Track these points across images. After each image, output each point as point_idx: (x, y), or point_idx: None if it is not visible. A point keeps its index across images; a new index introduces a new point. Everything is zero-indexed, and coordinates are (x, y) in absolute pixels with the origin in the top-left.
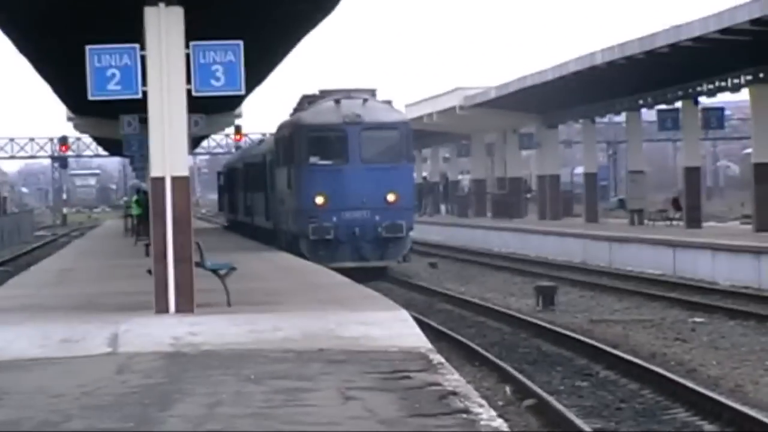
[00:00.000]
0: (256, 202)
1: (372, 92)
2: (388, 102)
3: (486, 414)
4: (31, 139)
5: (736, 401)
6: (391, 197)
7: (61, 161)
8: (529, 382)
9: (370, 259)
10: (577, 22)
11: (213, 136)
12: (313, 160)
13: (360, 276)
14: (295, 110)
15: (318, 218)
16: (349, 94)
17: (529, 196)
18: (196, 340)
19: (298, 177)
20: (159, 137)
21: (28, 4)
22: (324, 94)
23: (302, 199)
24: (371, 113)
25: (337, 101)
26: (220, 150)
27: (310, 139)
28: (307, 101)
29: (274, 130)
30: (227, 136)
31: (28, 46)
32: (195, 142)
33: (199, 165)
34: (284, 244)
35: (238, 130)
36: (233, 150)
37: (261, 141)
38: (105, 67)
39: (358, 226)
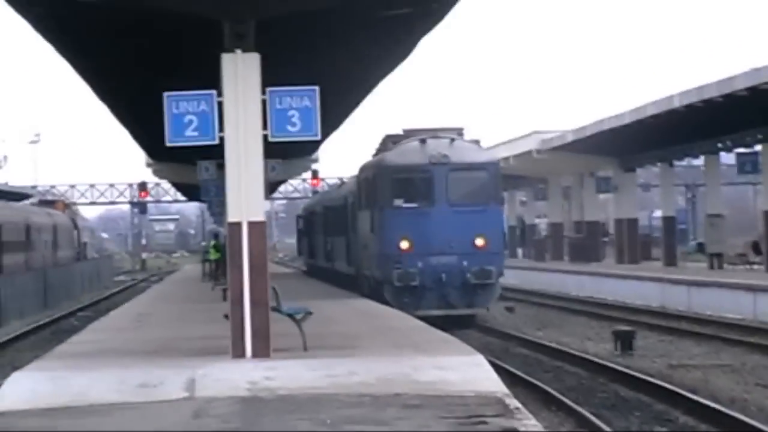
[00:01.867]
0: (336, 247)
1: (459, 131)
2: (476, 141)
3: None
4: (111, 185)
5: None
6: (479, 241)
7: (140, 207)
8: (606, 427)
9: (457, 306)
10: (655, 65)
11: (290, 180)
12: (397, 202)
13: (447, 325)
14: (378, 151)
15: (403, 263)
16: (435, 133)
17: (606, 239)
18: (273, 384)
19: (381, 220)
20: (235, 183)
21: (109, 51)
22: (408, 133)
23: (386, 243)
24: (459, 153)
25: (423, 141)
26: (297, 194)
27: (394, 180)
28: (391, 141)
29: (350, 173)
30: (304, 180)
31: (109, 92)
32: (272, 187)
33: (276, 209)
34: (367, 290)
35: (315, 174)
36: (310, 194)
37: (342, 183)
38: (182, 113)
39: (445, 272)
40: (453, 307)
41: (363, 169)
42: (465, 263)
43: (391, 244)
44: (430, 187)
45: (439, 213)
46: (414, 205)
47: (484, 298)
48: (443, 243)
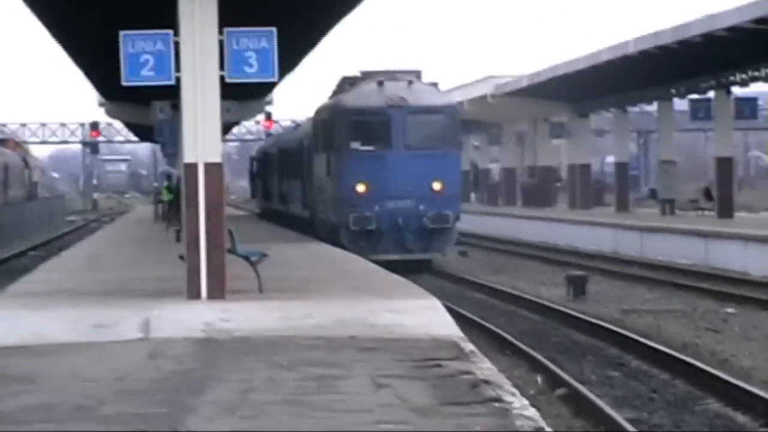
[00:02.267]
0: (291, 190)
1: (417, 74)
2: (434, 84)
3: (518, 403)
4: (63, 124)
5: None
6: (437, 186)
7: (92, 146)
8: (560, 372)
9: (413, 251)
10: (610, 11)
11: (243, 122)
12: (354, 145)
13: (403, 269)
14: (335, 93)
15: (359, 207)
16: (393, 75)
17: (559, 185)
18: (228, 326)
19: (338, 163)
20: (192, 124)
21: None
22: (366, 75)
23: (342, 187)
24: (417, 96)
25: (380, 83)
26: (250, 136)
27: (351, 123)
28: (347, 83)
29: (303, 116)
30: (257, 122)
31: (62, 32)
32: (225, 128)
33: (229, 151)
34: (322, 234)
35: (268, 116)
36: (263, 137)
37: (297, 126)
38: (139, 53)
39: (402, 216)
40: (409, 251)
41: (319, 111)
42: (422, 207)
43: (348, 187)
44: (387, 131)
45: (397, 157)
46: (371, 148)
47: (441, 242)
48: (400, 187)
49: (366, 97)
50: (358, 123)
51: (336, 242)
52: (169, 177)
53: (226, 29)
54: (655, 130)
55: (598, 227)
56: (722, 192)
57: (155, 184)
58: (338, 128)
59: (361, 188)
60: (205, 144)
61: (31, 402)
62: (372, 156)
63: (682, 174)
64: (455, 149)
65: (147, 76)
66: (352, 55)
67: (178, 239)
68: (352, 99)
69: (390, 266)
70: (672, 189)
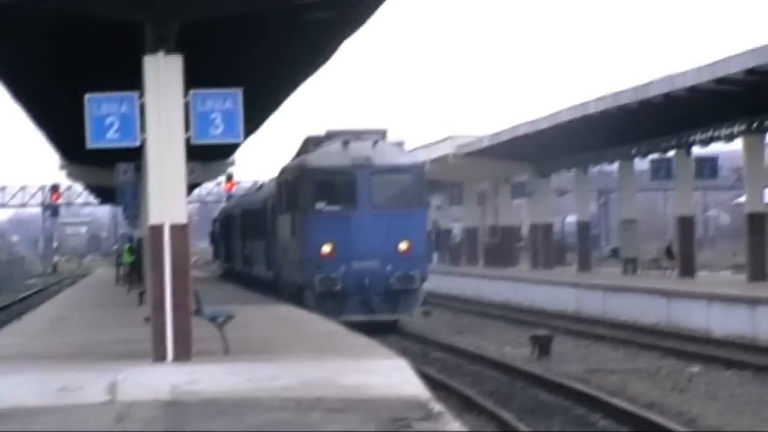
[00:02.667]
0: (255, 251)
1: (382, 133)
2: (400, 143)
3: None
4: (23, 188)
5: None
6: (403, 246)
7: (52, 210)
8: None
9: (380, 312)
10: (572, 72)
11: (204, 183)
12: (319, 205)
13: (370, 331)
14: (299, 152)
15: (324, 268)
16: (358, 135)
17: (521, 244)
18: (195, 388)
19: (302, 224)
20: (157, 185)
21: (25, 52)
22: (330, 135)
23: (307, 248)
24: (382, 156)
25: (346, 143)
26: (210, 198)
27: (316, 183)
28: (312, 143)
29: (266, 176)
30: (218, 183)
31: (24, 94)
32: (188, 190)
33: (190, 213)
34: (287, 295)
35: (229, 178)
36: (224, 198)
37: (261, 186)
38: (104, 115)
39: (368, 277)
40: (376, 312)
41: (283, 171)
42: (388, 268)
43: (313, 248)
44: (352, 191)
45: (362, 217)
46: (336, 208)
47: (408, 303)
48: (366, 247)
49: (331, 156)
50: (323, 183)
51: (301, 304)
52: (130, 239)
53: (191, 91)
54: (615, 190)
55: (560, 286)
56: (683, 251)
57: (115, 247)
58: (303, 188)
59: (326, 249)
60: (171, 205)
61: None
62: (337, 216)
63: (643, 233)
64: (421, 209)
65: (112, 139)
66: (314, 115)
67: (140, 302)
68: (317, 159)
69: (356, 328)
70: (634, 248)
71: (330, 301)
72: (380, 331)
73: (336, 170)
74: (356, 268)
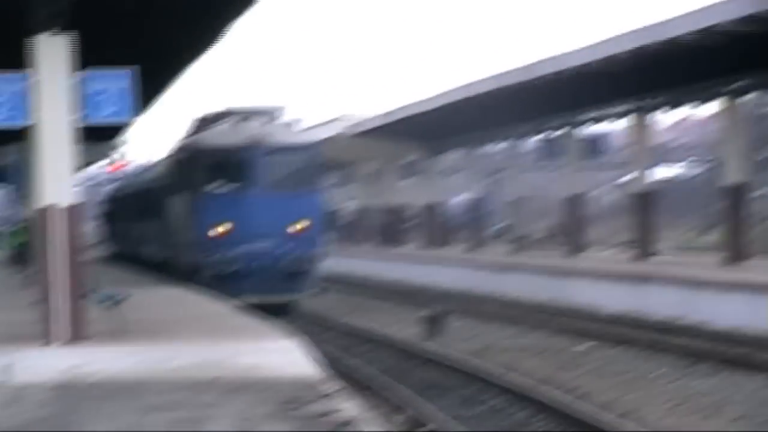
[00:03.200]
0: (146, 232)
1: (278, 111)
2: (295, 122)
3: None
4: None
5: (632, 425)
6: (297, 227)
7: None
8: (423, 409)
9: (274, 294)
10: (462, 49)
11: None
12: (211, 186)
13: (264, 313)
14: (192, 132)
15: (218, 250)
16: (251, 114)
17: (410, 224)
18: (88, 370)
19: (195, 205)
20: (48, 166)
21: None
22: (224, 114)
23: (200, 229)
24: (276, 135)
25: (239, 122)
26: (90, 182)
27: (208, 163)
28: (206, 122)
29: (149, 158)
30: (111, 163)
31: None
32: (79, 170)
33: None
34: (180, 277)
35: (113, 161)
36: (106, 180)
37: (152, 165)
38: None
39: (262, 258)
40: (270, 294)
41: (175, 150)
42: (282, 249)
43: (205, 229)
44: (245, 170)
45: (256, 197)
46: (229, 188)
47: (302, 285)
48: (260, 228)
49: (224, 135)
50: (215, 163)
51: (195, 285)
52: (18, 221)
53: (81, 71)
54: (504, 169)
55: (450, 266)
56: (572, 229)
57: (1, 228)
58: (195, 168)
59: (219, 230)
60: (60, 187)
61: None
62: (230, 197)
63: (531, 211)
64: (316, 188)
65: (2, 119)
66: (209, 94)
67: (28, 284)
68: (210, 138)
69: (250, 310)
70: (522, 227)
71: (223, 282)
72: (275, 313)
73: (228, 149)
74: (250, 249)
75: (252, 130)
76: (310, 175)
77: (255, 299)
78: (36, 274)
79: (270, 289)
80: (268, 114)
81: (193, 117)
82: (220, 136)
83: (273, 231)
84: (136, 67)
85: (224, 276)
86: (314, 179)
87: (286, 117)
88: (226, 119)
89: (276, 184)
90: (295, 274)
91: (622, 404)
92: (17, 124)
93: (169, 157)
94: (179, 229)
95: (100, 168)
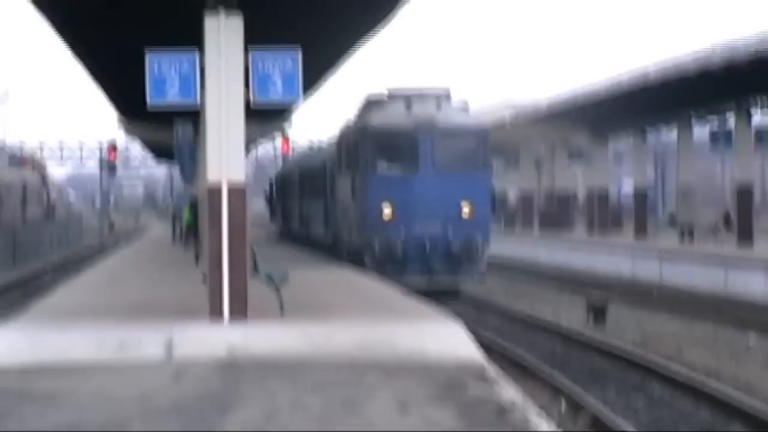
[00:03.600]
0: (314, 212)
1: (446, 93)
2: (464, 105)
3: (546, 426)
4: (81, 144)
5: None
6: (466, 210)
7: (109, 168)
8: (584, 397)
9: (441, 277)
10: (633, 35)
11: (259, 145)
12: (380, 167)
13: (430, 297)
14: (360, 113)
15: (385, 231)
16: (420, 95)
17: (576, 210)
18: (251, 347)
19: (363, 186)
20: (216, 145)
21: (85, 6)
22: (392, 94)
23: (367, 211)
24: (446, 117)
25: (408, 103)
26: (266, 160)
27: (377, 144)
28: (374, 103)
29: (320, 138)
30: (274, 145)
31: (83, 50)
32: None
33: (246, 173)
34: (346, 258)
35: (285, 137)
36: (279, 159)
37: (320, 147)
38: (164, 73)
39: (430, 242)
40: (437, 277)
41: (343, 132)
42: (450, 232)
43: (373, 211)
44: (415, 152)
45: (425, 180)
46: (398, 170)
47: (470, 269)
48: (428, 211)
49: (393, 117)
50: (384, 144)
51: (360, 267)
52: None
53: (251, 50)
54: (673, 157)
55: (616, 254)
56: (742, 219)
57: (171, 206)
58: (363, 150)
59: (387, 212)
60: (230, 165)
61: (56, 421)
62: (399, 179)
63: (701, 200)
64: (485, 172)
65: (172, 97)
66: (369, 77)
67: (197, 261)
68: (379, 119)
69: (416, 293)
70: (692, 215)
71: (390, 264)
72: (442, 297)
73: (398, 131)
74: (418, 231)
75: (421, 112)
76: (480, 159)
77: (422, 283)
78: (204, 251)
79: (436, 273)
80: (437, 96)
81: (360, 98)
82: (389, 117)
83: (441, 214)
84: (301, 49)
85: (390, 258)
86: (483, 163)
87: (454, 99)
88: (395, 100)
89: (448, 167)
90: (462, 258)
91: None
92: (188, 102)
93: (338, 138)
94: (346, 210)
95: (268, 148)
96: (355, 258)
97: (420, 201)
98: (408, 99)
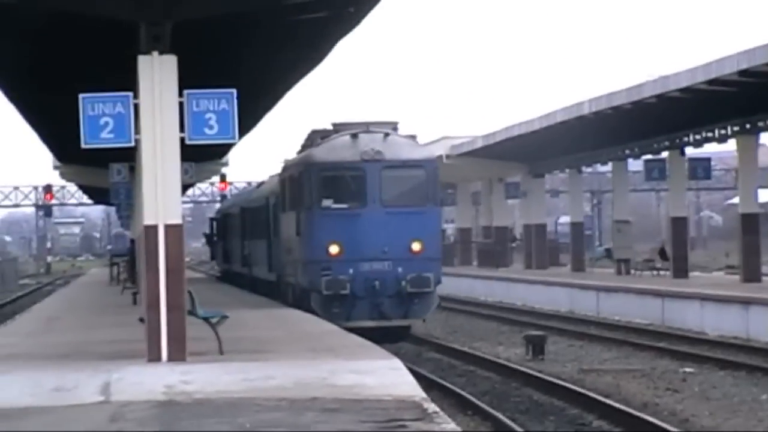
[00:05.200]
0: (256, 251)
1: (394, 126)
2: (412, 137)
3: None
4: (16, 188)
5: None
6: (416, 246)
7: (45, 210)
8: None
9: (391, 317)
10: (565, 73)
11: (198, 184)
12: (326, 202)
13: (380, 337)
14: (304, 147)
15: (332, 270)
16: (367, 127)
17: (514, 245)
18: (189, 388)
19: (308, 223)
20: (152, 185)
21: (19, 53)
22: (338, 128)
23: (313, 248)
24: (394, 149)
25: (354, 136)
26: (204, 198)
27: (322, 178)
28: (318, 136)
29: (259, 176)
30: (212, 184)
31: (18, 94)
32: (182, 190)
33: (183, 213)
34: (291, 298)
35: (223, 178)
36: (218, 198)
37: (262, 183)
38: (98, 115)
39: (379, 280)
40: (387, 317)
41: (287, 166)
42: (400, 270)
43: (319, 248)
44: (362, 187)
45: (372, 215)
46: (344, 206)
47: (422, 308)
48: (376, 248)
49: (339, 150)
50: (330, 178)
51: (306, 307)
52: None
53: (186, 91)
54: (609, 190)
55: (554, 287)
56: (677, 252)
57: (108, 247)
58: (308, 184)
59: (333, 249)
60: (166, 206)
61: None
62: (345, 214)
63: (636, 233)
64: (435, 206)
65: (106, 139)
66: (306, 114)
67: (134, 302)
68: (324, 153)
69: (365, 334)
70: (627, 248)
71: (337, 305)
72: (392, 337)
73: (344, 165)
74: (366, 269)
75: (368, 144)
76: (430, 192)
77: (371, 323)
78: (140, 292)
79: (387, 313)
80: (384, 127)
81: (304, 132)
82: (334, 150)
83: (390, 251)
84: (236, 89)
85: (338, 298)
86: (433, 196)
87: (402, 131)
88: (340, 133)
89: (394, 201)
90: (414, 297)
91: (725, 429)
92: (123, 143)
93: (281, 172)
94: (291, 248)
95: (207, 188)
96: (301, 299)
97: (368, 238)
98: (354, 132)
